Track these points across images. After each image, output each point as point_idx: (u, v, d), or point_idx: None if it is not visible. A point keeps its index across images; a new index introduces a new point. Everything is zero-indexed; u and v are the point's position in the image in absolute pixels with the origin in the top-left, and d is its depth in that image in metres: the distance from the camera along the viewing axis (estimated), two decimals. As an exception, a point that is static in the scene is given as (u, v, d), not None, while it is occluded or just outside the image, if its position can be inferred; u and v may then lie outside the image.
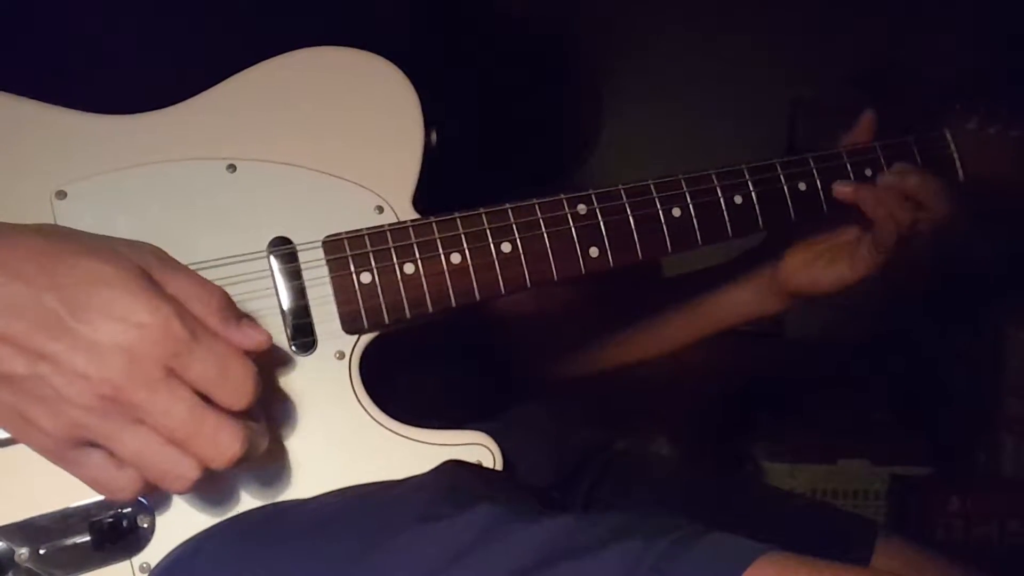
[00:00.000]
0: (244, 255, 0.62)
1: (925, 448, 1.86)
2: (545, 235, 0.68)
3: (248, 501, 0.62)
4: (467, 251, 0.66)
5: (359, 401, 0.65)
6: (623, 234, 0.70)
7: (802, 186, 0.78)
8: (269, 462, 0.63)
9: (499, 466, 0.67)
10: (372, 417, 0.65)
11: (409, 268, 0.65)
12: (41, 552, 0.58)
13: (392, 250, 0.65)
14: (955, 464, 1.88)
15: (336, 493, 0.63)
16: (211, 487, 0.61)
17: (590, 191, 0.70)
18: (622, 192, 0.71)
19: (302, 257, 0.64)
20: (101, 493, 0.53)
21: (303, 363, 0.63)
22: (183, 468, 0.51)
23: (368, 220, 0.65)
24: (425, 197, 0.67)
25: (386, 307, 0.65)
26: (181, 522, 0.61)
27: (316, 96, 0.66)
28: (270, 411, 0.61)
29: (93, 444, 0.51)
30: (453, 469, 0.65)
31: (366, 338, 0.65)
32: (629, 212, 0.70)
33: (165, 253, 0.54)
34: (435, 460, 0.65)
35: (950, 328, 1.91)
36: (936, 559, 0.78)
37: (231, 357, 0.51)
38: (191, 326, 0.50)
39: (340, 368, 0.64)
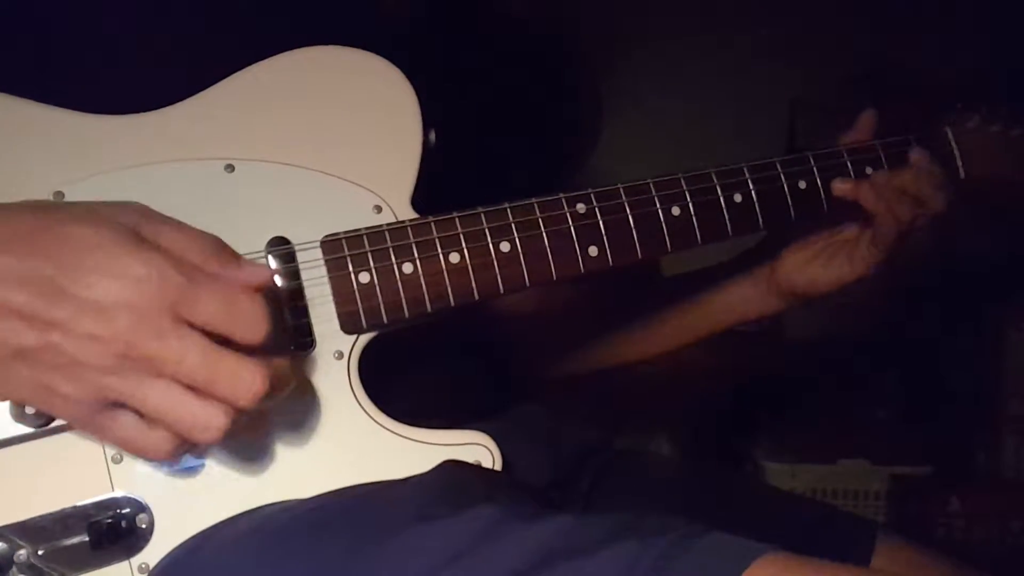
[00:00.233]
0: (242, 255, 0.62)
1: (925, 448, 1.86)
2: (544, 234, 0.68)
3: (247, 501, 0.62)
4: (466, 251, 0.66)
5: (358, 401, 0.65)
6: (622, 233, 0.70)
7: (802, 184, 0.78)
8: (268, 461, 0.63)
9: (498, 466, 0.67)
10: (371, 417, 0.65)
11: (408, 268, 0.65)
12: (40, 552, 0.58)
13: (391, 250, 0.64)
14: (955, 464, 1.88)
15: (335, 493, 0.63)
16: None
17: (589, 190, 0.69)
18: (621, 191, 0.70)
19: (300, 257, 0.64)
20: (139, 455, 0.54)
21: (302, 363, 0.63)
22: (209, 415, 0.51)
23: (367, 220, 0.65)
24: (424, 197, 0.67)
25: (385, 307, 0.64)
26: (179, 523, 0.61)
27: (315, 96, 0.66)
28: (269, 411, 0.61)
29: (120, 406, 0.51)
30: (452, 469, 0.65)
31: (365, 338, 0.65)
32: (628, 211, 0.70)
33: (150, 209, 0.54)
34: (434, 460, 0.65)
35: (950, 328, 1.91)
36: (936, 559, 0.78)
37: (236, 293, 0.51)
38: (187, 271, 0.50)
39: (339, 368, 0.64)
